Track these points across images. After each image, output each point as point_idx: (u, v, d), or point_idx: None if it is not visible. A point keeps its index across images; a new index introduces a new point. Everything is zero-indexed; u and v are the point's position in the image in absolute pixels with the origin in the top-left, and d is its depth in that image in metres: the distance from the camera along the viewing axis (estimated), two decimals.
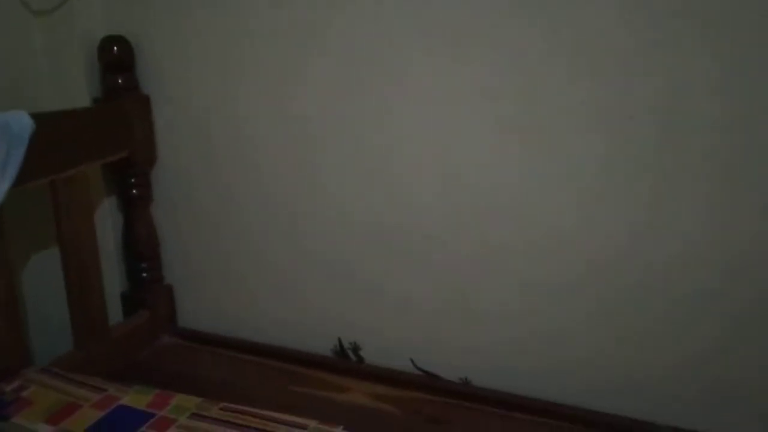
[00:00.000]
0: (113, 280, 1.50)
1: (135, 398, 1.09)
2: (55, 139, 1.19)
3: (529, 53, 1.12)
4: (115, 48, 1.35)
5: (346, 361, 1.41)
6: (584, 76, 1.09)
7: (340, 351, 1.42)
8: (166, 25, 1.38)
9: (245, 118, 1.36)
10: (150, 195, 1.46)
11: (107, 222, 1.47)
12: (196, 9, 1.34)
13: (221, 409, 1.07)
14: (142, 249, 1.47)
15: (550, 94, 1.12)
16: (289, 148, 1.34)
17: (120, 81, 1.36)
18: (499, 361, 1.28)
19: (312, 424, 1.02)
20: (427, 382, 1.32)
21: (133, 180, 1.42)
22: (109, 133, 1.33)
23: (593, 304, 1.18)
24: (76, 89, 1.38)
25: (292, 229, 1.40)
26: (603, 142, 1.11)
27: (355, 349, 1.41)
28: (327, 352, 1.43)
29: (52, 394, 1.10)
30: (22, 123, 1.13)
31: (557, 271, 1.20)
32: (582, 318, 1.20)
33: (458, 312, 1.29)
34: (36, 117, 1.14)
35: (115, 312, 1.50)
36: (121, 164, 1.39)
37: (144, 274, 1.49)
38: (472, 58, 1.15)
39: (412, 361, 1.36)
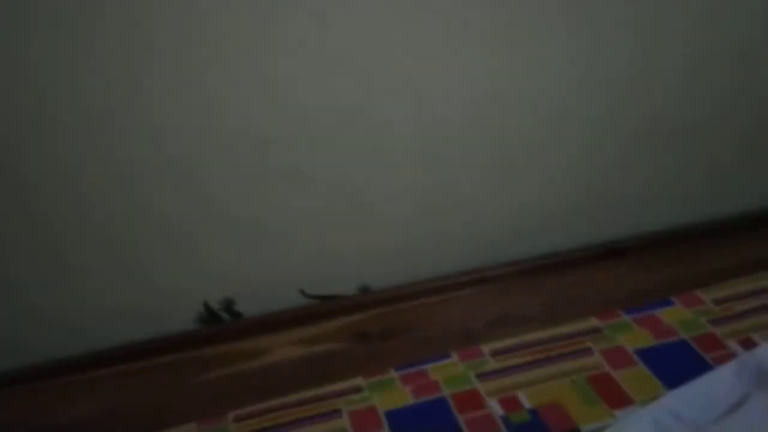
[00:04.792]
0: None
1: None
2: None
3: None
4: None
5: (229, 324, 1.15)
6: None
7: (208, 316, 1.15)
8: None
9: None
10: None
11: None
12: None
13: None
14: None
15: None
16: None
17: None
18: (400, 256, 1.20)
19: None
20: (355, 303, 1.17)
21: None
22: None
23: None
24: None
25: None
26: None
27: (228, 305, 1.16)
28: (188, 327, 1.15)
29: None
30: None
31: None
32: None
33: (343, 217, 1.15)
34: None
35: None
36: None
37: None
38: None
39: (303, 291, 1.18)
